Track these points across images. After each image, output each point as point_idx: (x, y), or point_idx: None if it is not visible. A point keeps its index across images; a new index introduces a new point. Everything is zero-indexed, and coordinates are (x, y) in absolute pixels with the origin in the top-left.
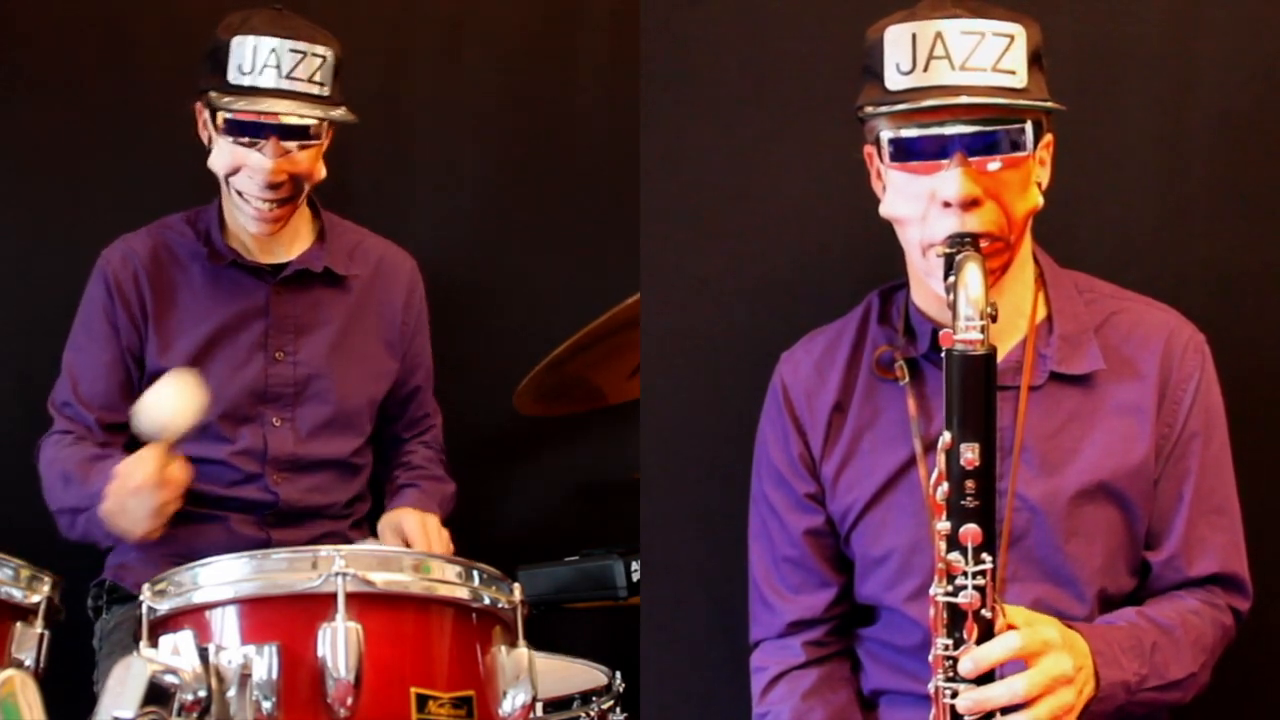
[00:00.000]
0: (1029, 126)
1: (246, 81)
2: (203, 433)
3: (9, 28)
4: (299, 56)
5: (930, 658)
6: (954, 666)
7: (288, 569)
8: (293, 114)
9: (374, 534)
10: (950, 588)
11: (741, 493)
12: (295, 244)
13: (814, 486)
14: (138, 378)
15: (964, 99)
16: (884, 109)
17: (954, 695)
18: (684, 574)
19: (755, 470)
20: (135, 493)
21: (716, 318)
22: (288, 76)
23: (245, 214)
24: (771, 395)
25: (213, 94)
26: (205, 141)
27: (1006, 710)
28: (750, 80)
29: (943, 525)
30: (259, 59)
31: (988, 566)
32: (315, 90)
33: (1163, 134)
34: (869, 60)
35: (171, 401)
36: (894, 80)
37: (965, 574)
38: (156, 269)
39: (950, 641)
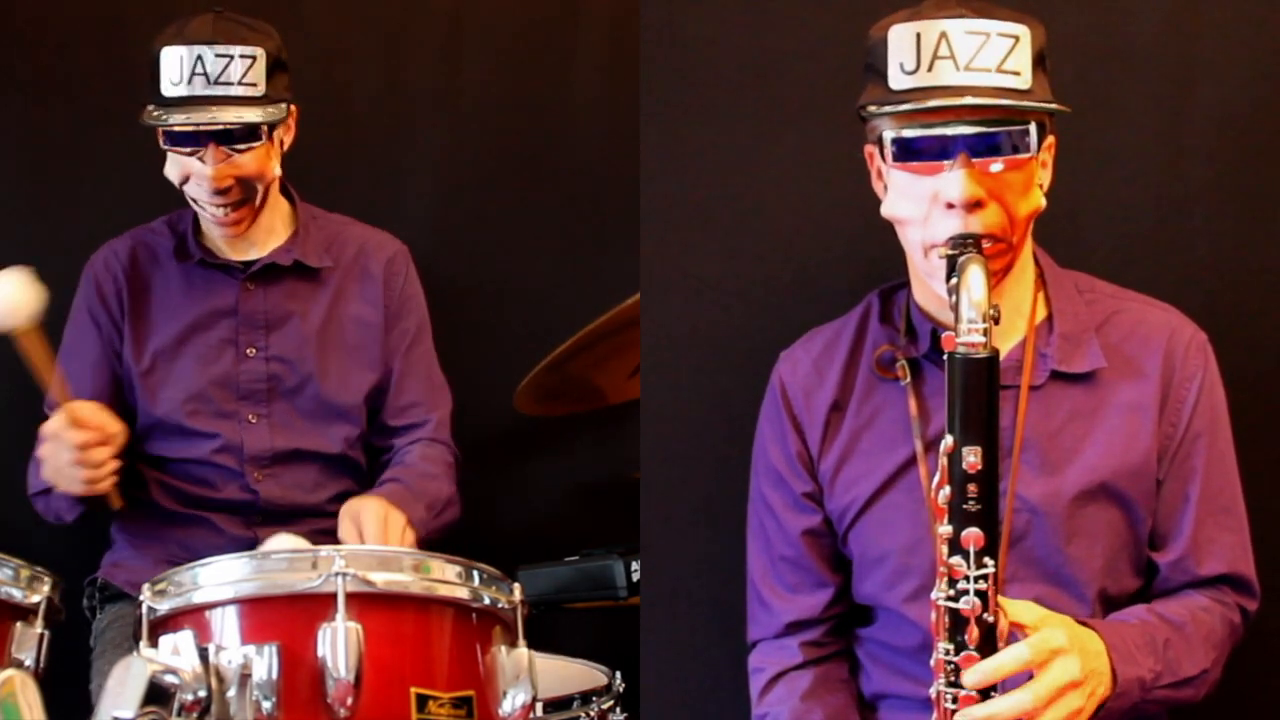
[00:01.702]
0: (1033, 128)
1: (177, 92)
2: (178, 433)
3: (8, 27)
4: (226, 60)
5: (931, 662)
6: (955, 671)
7: (288, 569)
8: (221, 119)
9: None
10: (952, 592)
11: (741, 493)
12: (270, 239)
13: (811, 486)
14: (111, 373)
15: (968, 100)
16: (888, 109)
17: (955, 700)
18: (684, 574)
19: (753, 470)
20: (54, 439)
21: (716, 318)
22: (216, 81)
23: (205, 220)
24: (770, 394)
25: (149, 108)
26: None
27: None
28: (750, 80)
29: (944, 529)
30: (185, 68)
31: (990, 570)
32: (247, 91)
33: (1163, 134)
34: (872, 59)
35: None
36: (898, 80)
37: (967, 578)
38: (134, 270)
39: (952, 646)
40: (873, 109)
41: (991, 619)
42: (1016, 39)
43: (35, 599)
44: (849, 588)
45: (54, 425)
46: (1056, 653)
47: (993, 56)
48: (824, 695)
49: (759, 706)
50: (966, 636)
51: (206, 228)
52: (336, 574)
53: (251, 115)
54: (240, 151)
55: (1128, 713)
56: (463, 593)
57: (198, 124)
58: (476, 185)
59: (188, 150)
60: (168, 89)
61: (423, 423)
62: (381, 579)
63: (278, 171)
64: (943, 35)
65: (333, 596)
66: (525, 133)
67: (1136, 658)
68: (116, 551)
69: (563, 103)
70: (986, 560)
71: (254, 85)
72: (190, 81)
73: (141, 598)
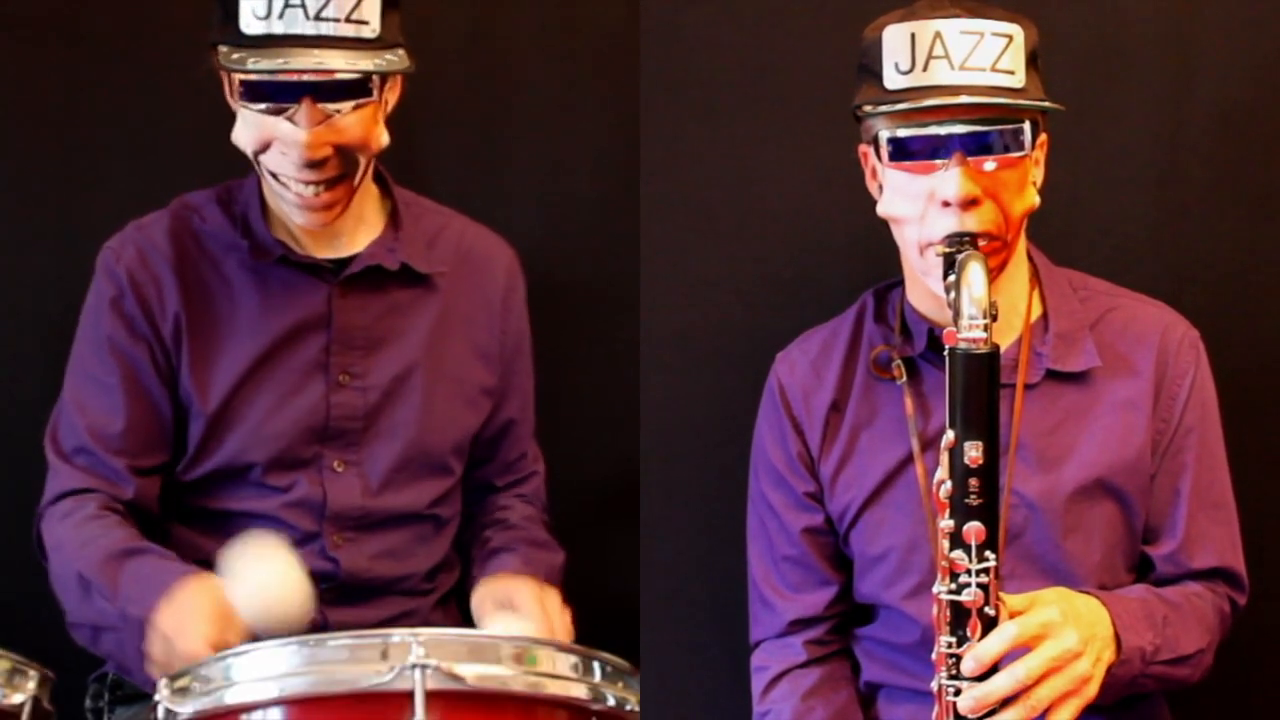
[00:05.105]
0: (1026, 126)
1: (263, 29)
2: (242, 484)
3: None
4: None
5: (933, 655)
6: (957, 664)
7: (349, 659)
8: (329, 64)
9: (465, 615)
10: (954, 585)
11: (741, 493)
12: (360, 232)
13: (813, 485)
14: (171, 408)
15: (964, 99)
16: (884, 108)
17: (957, 693)
18: (684, 574)
19: (753, 470)
20: (193, 616)
21: (716, 318)
22: (317, 17)
23: (287, 202)
24: (768, 395)
25: (223, 49)
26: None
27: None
28: (750, 80)
29: (946, 523)
30: None
31: (991, 564)
32: (357, 31)
33: (1162, 133)
34: (866, 59)
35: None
36: (893, 80)
37: (969, 572)
38: (184, 268)
39: (954, 639)
40: (868, 109)
41: (993, 612)
42: (1010, 38)
43: (18, 699)
44: (851, 586)
45: (207, 606)
46: (1048, 626)
47: (987, 56)
48: (827, 694)
49: (761, 704)
50: (968, 629)
51: (282, 212)
52: (414, 666)
53: (366, 62)
54: (346, 110)
55: (1126, 687)
56: (579, 690)
57: (298, 69)
58: (478, 185)
59: (273, 107)
60: (250, 24)
61: (528, 476)
62: (473, 673)
63: (385, 140)
64: (937, 35)
65: (408, 695)
66: (525, 132)
67: (1139, 628)
68: None
69: (562, 102)
70: (988, 554)
71: (365, 24)
72: (282, 15)
73: (157, 698)
